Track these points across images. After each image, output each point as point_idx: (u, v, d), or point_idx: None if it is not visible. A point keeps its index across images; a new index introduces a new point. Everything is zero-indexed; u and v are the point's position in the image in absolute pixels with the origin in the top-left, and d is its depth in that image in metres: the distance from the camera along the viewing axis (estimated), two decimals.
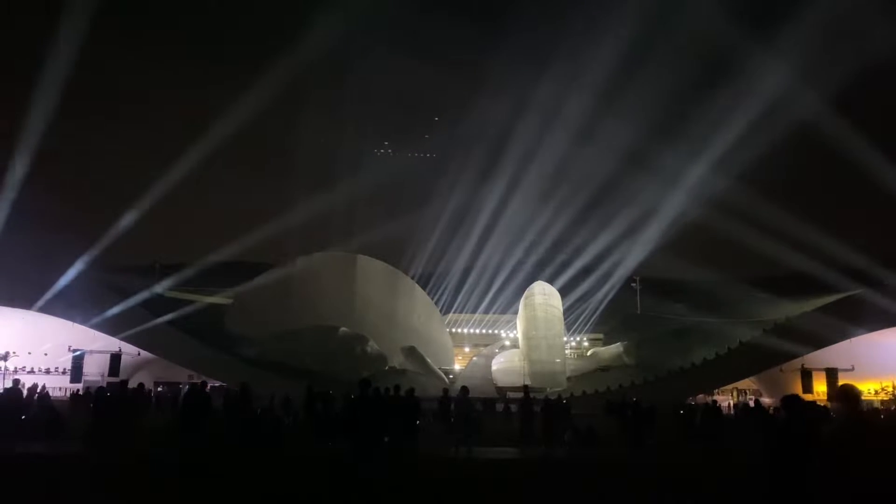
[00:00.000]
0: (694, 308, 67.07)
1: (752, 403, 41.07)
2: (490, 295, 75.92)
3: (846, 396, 5.53)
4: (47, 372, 43.51)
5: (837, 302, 46.85)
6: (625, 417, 19.62)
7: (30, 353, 43.62)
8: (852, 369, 41.22)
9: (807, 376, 42.33)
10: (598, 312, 70.52)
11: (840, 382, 41.21)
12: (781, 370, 43.63)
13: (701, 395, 42.41)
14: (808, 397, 37.07)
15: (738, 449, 14.41)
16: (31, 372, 41.77)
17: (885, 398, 38.94)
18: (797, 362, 43.00)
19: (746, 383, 49.51)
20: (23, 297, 41.69)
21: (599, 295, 71.86)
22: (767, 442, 6.09)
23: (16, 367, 41.44)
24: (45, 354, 44.09)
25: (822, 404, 23.61)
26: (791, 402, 6.21)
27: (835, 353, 42.20)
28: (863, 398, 7.59)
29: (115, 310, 43.11)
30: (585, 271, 71.34)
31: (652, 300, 73.57)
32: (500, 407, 31.03)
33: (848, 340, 41.99)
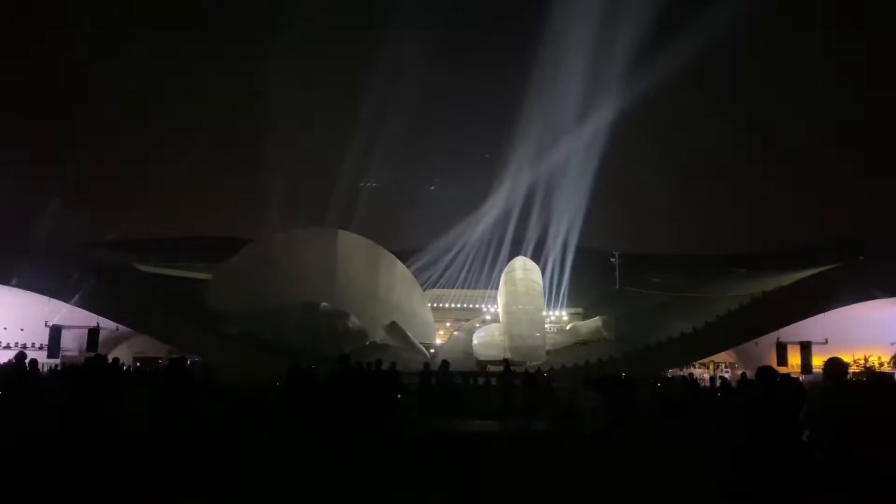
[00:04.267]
0: (672, 283, 67.81)
1: (727, 375, 41.95)
2: (471, 270, 76.31)
3: (834, 369, 5.66)
4: (24, 347, 43.03)
5: (812, 277, 47.65)
6: (604, 391, 19.86)
7: (5, 329, 43.18)
8: (826, 342, 42.05)
9: (782, 349, 43.13)
10: (576, 287, 71.06)
11: (813, 355, 42.19)
12: (757, 343, 44.38)
13: (677, 369, 43.09)
14: (782, 370, 37.92)
15: (714, 420, 14.67)
16: (7, 347, 41.33)
17: (856, 370, 39.81)
18: (772, 336, 43.78)
19: (722, 356, 50.32)
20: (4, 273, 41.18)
21: (579, 269, 72.40)
22: (748, 413, 6.21)
23: None
24: (22, 330, 43.63)
25: (795, 376, 24.07)
26: (766, 373, 6.33)
27: (809, 327, 43.02)
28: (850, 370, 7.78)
29: (92, 285, 42.73)
30: (565, 246, 71.80)
31: (631, 275, 74.31)
32: (480, 380, 31.26)
33: (822, 314, 42.79)
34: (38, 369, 18.55)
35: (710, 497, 7.34)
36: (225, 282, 52.82)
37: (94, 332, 43.04)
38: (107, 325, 43.95)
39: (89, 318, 43.41)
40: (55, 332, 42.89)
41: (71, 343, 43.69)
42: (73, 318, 43.32)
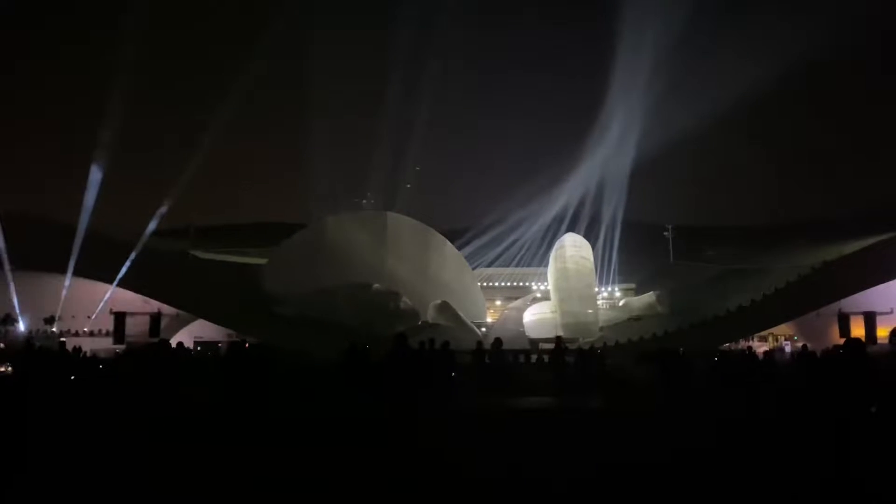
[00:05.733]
0: (728, 255, 66.37)
1: (788, 348, 40.94)
2: (522, 249, 75.86)
3: None
4: (91, 334, 44.82)
5: (876, 244, 45.98)
6: (661, 366, 19.64)
7: (73, 317, 45.02)
8: (891, 312, 40.59)
9: (844, 320, 41.71)
10: (629, 262, 70.17)
11: (878, 326, 40.76)
12: (818, 315, 43.13)
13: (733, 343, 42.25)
14: (843, 341, 36.81)
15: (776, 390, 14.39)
16: (76, 334, 43.12)
17: None
18: (834, 306, 42.40)
19: (782, 329, 49.12)
20: (66, 263, 42.83)
21: (631, 244, 71.45)
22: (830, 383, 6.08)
23: (61, 330, 42.88)
24: (89, 317, 45.44)
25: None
26: (855, 345, 6.20)
27: (872, 297, 41.55)
28: None
29: (152, 272, 44.13)
30: (616, 221, 70.85)
31: (685, 248, 72.98)
32: (533, 358, 31.27)
33: (885, 284, 41.31)
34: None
35: (769, 472, 7.25)
36: (279, 266, 53.88)
37: (156, 318, 44.50)
38: (168, 310, 45.38)
39: (151, 305, 44.90)
40: (120, 318, 44.47)
41: (135, 329, 45.27)
42: (136, 304, 44.86)
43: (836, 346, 13.74)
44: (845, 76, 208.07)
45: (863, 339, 39.21)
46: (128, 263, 42.97)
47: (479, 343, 21.99)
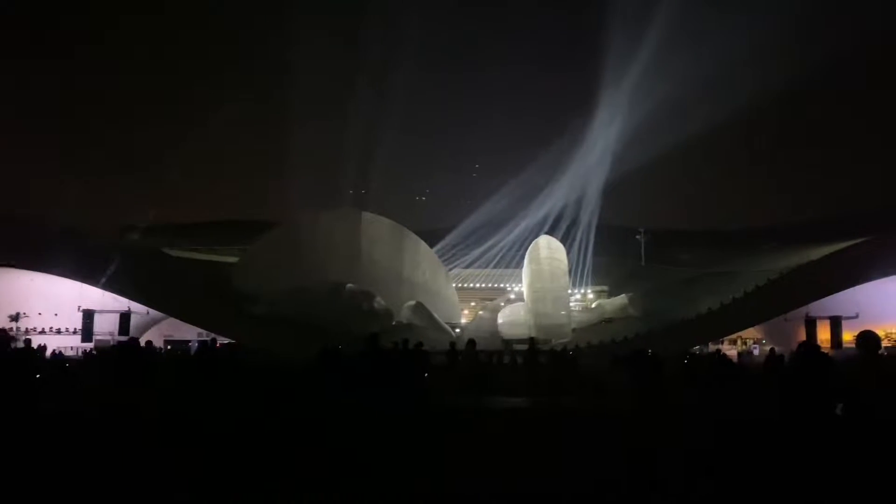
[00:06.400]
0: (699, 259, 67.22)
1: (755, 352, 41.57)
2: (495, 250, 76.11)
3: (867, 341, 5.61)
4: (58, 332, 44.02)
5: (842, 251, 46.90)
6: (632, 368, 19.79)
7: (40, 314, 44.15)
8: (856, 317, 41.42)
9: (811, 324, 42.59)
10: (602, 265, 70.76)
11: (843, 330, 41.62)
12: (786, 319, 43.87)
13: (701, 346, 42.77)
14: None
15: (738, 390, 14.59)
16: (43, 332, 42.30)
17: (889, 345, 39.24)
18: (802, 311, 43.23)
19: (751, 332, 49.88)
20: (31, 258, 42.01)
21: (604, 247, 72.14)
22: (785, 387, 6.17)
23: (27, 328, 42.02)
24: (56, 315, 44.59)
25: (825, 351, 23.71)
26: (809, 348, 6.28)
27: (839, 302, 42.38)
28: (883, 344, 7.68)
29: (122, 270, 43.46)
30: (590, 224, 71.49)
31: (657, 252, 73.77)
32: (506, 359, 31.34)
33: (852, 289, 42.13)
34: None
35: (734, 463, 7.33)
36: (252, 264, 53.40)
37: (125, 317, 43.86)
38: (138, 309, 44.72)
39: (121, 303, 44.22)
40: (88, 316, 43.75)
41: (104, 327, 44.57)
42: (105, 302, 44.15)
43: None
44: (814, 81, 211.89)
45: (820, 342, 40.17)
46: (97, 260, 42.30)
47: (453, 344, 22.01)
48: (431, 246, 65.22)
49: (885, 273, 41.88)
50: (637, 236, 74.98)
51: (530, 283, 53.96)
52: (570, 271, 57.89)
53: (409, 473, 8.07)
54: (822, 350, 6.81)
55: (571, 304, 57.99)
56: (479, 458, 9.14)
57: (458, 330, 54.09)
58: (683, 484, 7.43)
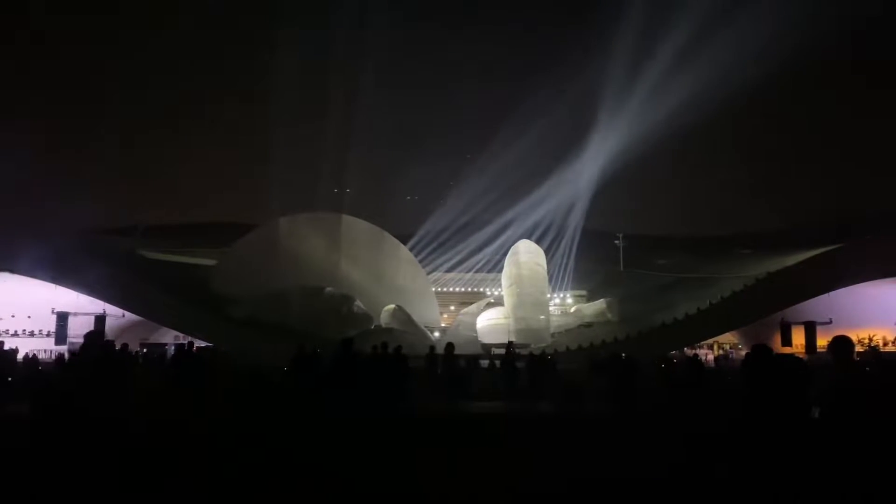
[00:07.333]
0: (677, 264, 67.79)
1: (732, 356, 41.98)
2: (475, 254, 76.25)
3: (840, 347, 5.66)
4: (31, 335, 43.33)
5: (817, 257, 47.57)
6: (610, 372, 19.89)
7: (13, 317, 43.43)
8: (830, 322, 42.02)
9: (786, 329, 43.10)
10: (581, 270, 71.15)
11: (818, 335, 42.19)
12: (762, 324, 44.39)
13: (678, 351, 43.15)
14: (786, 350, 37.97)
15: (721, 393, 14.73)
16: (15, 335, 41.62)
17: (861, 350, 39.79)
18: (777, 316, 43.76)
19: (727, 337, 50.38)
20: (4, 259, 41.29)
21: (583, 252, 72.59)
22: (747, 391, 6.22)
23: None
24: (29, 317, 43.89)
25: (799, 356, 24.02)
26: (759, 351, 6.31)
27: (813, 307, 42.98)
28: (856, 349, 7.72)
29: (98, 272, 42.85)
30: (569, 229, 71.89)
31: (635, 257, 74.29)
32: (485, 363, 31.35)
33: (826, 295, 42.75)
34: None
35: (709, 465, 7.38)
36: (230, 267, 53.00)
37: (100, 319, 43.23)
38: (113, 311, 44.14)
39: (96, 306, 43.60)
40: (62, 319, 43.08)
41: (78, 330, 43.85)
42: (80, 304, 43.51)
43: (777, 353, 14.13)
44: (786, 89, 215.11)
45: (795, 347, 40.71)
46: (71, 261, 41.71)
47: (432, 348, 21.97)
48: (411, 249, 65.17)
49: (857, 279, 42.63)
50: (616, 241, 75.50)
51: (509, 287, 54.11)
52: (549, 276, 58.11)
53: (387, 478, 8.05)
54: (786, 354, 6.88)
55: (550, 308, 58.21)
56: (455, 462, 9.14)
57: (437, 334, 54.04)
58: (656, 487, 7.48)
